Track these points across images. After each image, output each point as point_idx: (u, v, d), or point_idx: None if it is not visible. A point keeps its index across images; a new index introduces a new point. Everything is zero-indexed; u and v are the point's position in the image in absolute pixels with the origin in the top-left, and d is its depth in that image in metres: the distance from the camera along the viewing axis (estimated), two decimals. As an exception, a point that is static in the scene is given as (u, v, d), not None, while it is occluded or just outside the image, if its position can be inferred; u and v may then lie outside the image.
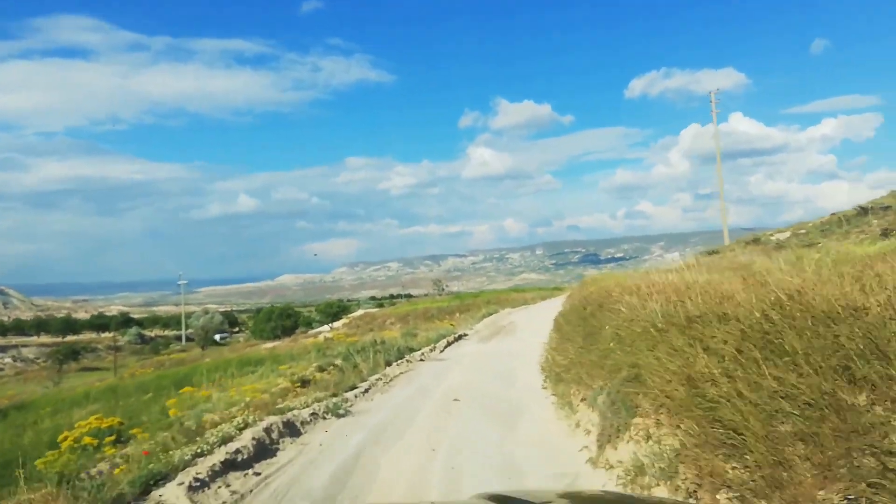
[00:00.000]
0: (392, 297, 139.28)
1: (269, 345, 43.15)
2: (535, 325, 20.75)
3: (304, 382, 10.42)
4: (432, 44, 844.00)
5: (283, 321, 49.54)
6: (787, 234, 26.80)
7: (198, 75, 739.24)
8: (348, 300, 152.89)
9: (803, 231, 26.75)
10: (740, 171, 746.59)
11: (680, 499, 3.33)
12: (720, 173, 26.25)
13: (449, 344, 17.01)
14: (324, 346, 18.28)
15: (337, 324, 48.38)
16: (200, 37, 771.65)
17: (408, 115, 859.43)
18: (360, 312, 52.05)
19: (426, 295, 71.62)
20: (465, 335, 19.71)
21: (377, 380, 10.72)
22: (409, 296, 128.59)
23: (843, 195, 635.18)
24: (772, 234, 27.35)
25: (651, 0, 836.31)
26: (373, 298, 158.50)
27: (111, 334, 72.12)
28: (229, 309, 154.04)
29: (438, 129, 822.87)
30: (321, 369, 11.56)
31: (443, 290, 65.42)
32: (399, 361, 12.89)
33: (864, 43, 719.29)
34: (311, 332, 49.71)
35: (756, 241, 26.36)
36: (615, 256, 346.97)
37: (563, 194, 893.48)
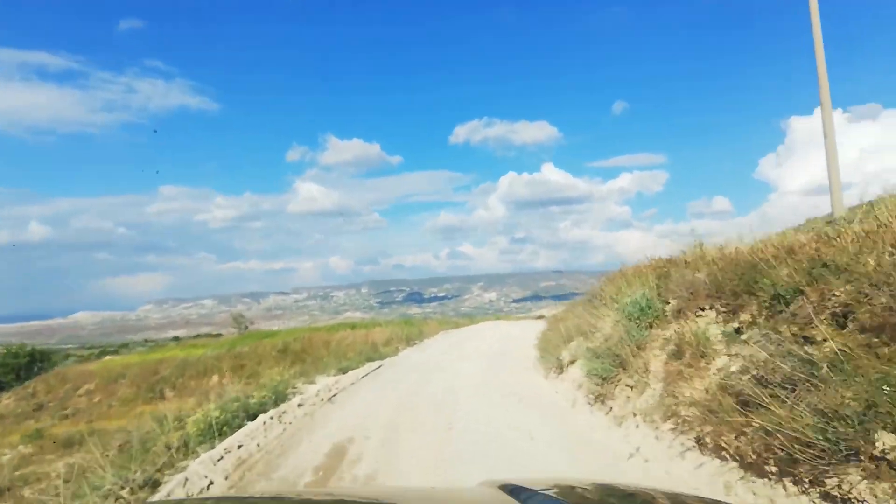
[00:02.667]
0: (197, 336, 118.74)
1: None
2: None
3: None
4: (260, 75, 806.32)
5: None
6: None
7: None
8: (146, 340, 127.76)
9: None
10: (551, 218, 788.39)
11: (706, 496, 2.64)
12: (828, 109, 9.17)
13: None
14: None
15: None
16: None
17: (231, 146, 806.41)
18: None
19: (217, 335, 51.43)
20: None
21: None
22: (218, 335, 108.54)
23: (636, 243, 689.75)
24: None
25: (475, 51, 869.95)
26: (175, 339, 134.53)
27: None
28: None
29: (264, 162, 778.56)
30: None
31: (246, 327, 45.99)
32: None
33: (655, 107, 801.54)
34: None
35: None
36: (438, 295, 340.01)
37: (389, 233, 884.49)
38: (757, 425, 4.10)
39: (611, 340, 7.54)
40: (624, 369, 6.86)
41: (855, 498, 3.26)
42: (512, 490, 1.72)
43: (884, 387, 3.31)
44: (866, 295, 4.02)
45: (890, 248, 4.19)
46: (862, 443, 3.29)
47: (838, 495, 3.42)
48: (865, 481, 3.28)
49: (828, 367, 3.79)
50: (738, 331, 5.41)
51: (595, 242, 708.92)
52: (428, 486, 3.54)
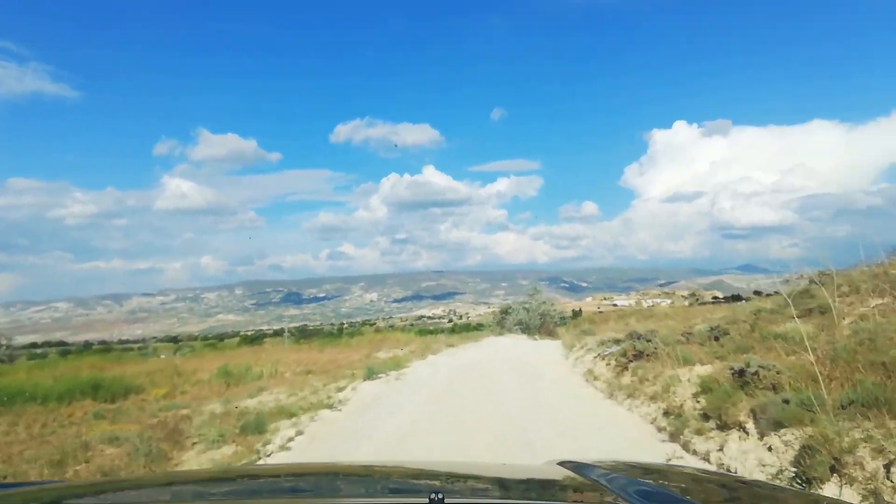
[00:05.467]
0: (49, 344, 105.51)
1: None
2: None
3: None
4: (127, 63, 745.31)
5: None
6: None
7: None
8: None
9: None
10: (432, 219, 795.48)
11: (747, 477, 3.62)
12: None
13: None
14: None
15: None
16: None
17: (93, 137, 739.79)
18: None
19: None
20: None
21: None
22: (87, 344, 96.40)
23: (512, 244, 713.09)
24: None
25: (357, 52, 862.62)
26: (34, 345, 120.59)
27: None
28: None
29: (129, 155, 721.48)
30: None
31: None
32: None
33: (531, 115, 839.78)
34: None
35: None
36: (317, 296, 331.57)
37: (266, 232, 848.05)
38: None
39: None
40: None
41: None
42: (576, 467, 1.83)
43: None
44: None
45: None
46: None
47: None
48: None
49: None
50: None
51: (474, 244, 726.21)
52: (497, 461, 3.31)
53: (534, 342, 25.42)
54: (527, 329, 29.70)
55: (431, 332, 46.20)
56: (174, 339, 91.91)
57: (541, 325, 28.73)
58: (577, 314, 44.61)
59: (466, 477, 1.83)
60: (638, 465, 2.27)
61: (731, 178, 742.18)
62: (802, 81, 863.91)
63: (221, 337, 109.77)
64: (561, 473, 1.85)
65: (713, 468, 5.42)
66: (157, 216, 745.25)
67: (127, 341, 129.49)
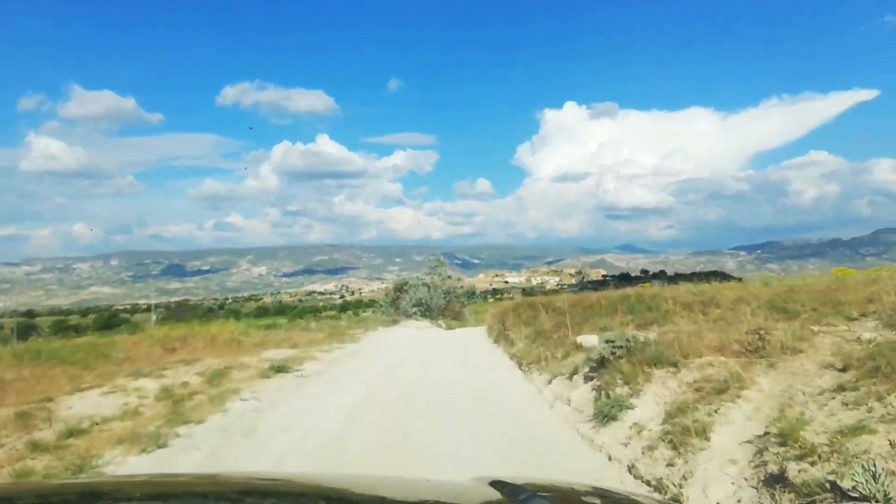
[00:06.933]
0: None
1: None
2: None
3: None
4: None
5: None
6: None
7: None
8: None
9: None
10: (326, 191, 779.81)
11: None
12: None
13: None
14: None
15: None
16: None
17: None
18: None
19: None
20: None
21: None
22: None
23: (406, 220, 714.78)
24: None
25: (247, 12, 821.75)
26: None
27: None
28: None
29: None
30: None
31: None
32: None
33: (427, 86, 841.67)
34: None
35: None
36: (202, 269, 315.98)
37: (146, 199, 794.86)
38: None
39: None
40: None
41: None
42: (507, 489, 1.69)
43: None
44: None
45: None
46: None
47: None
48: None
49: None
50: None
51: (368, 218, 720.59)
52: (420, 477, 2.52)
53: (447, 335, 19.22)
54: (428, 311, 25.33)
55: (306, 314, 40.41)
56: (30, 315, 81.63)
57: (444, 307, 25.52)
58: (476, 293, 43.53)
59: (382, 499, 1.65)
60: (580, 487, 2.06)
61: (616, 160, 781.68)
62: (684, 67, 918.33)
63: (86, 312, 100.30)
64: (487, 496, 1.63)
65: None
66: (23, 178, 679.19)
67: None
